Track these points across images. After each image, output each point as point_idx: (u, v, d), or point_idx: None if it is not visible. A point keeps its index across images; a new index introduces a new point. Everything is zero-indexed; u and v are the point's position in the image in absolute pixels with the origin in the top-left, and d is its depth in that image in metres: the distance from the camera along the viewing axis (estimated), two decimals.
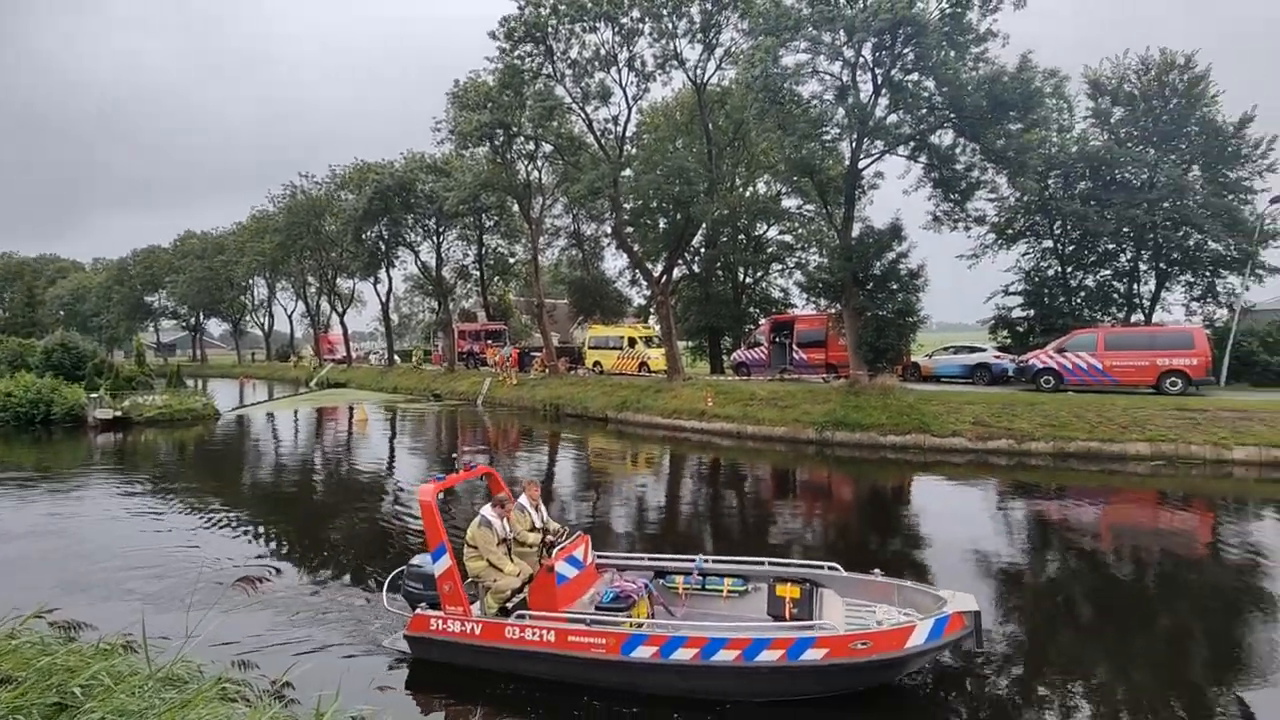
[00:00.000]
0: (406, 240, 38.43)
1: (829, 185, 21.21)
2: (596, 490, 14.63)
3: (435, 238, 37.89)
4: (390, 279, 42.13)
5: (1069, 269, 25.88)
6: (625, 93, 24.18)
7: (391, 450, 20.59)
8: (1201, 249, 23.22)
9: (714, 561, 7.26)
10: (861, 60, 18.51)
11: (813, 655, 5.52)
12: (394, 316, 53.48)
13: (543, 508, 7.37)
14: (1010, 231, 26.15)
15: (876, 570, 6.96)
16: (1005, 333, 27.16)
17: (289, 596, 8.22)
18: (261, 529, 11.53)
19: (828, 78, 19.25)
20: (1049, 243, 26.02)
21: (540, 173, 30.95)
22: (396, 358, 45.87)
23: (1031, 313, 26.47)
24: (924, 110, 18.73)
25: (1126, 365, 19.20)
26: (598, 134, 25.44)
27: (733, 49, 22.37)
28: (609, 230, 33.15)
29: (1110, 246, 24.74)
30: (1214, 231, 22.17)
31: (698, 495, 14.64)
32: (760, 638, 5.63)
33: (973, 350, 24.85)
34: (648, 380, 27.06)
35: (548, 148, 28.54)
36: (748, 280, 34.53)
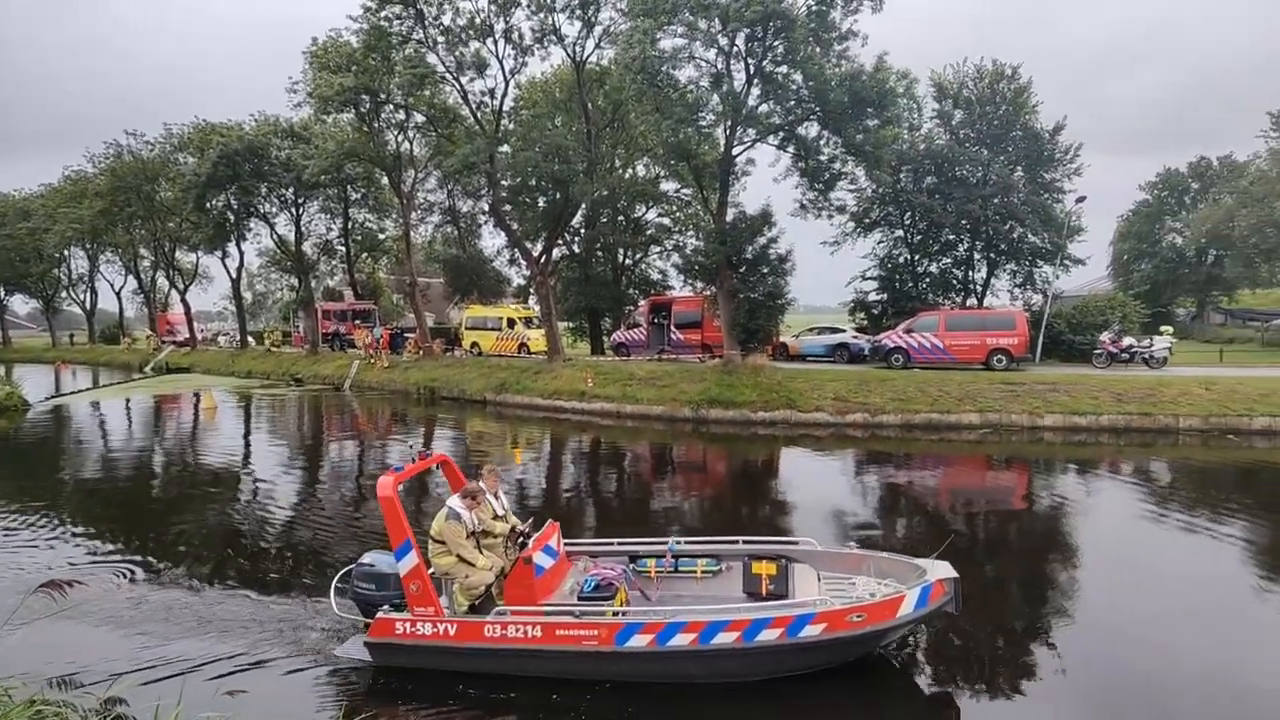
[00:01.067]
0: (260, 211, 35.12)
1: (705, 170, 21.81)
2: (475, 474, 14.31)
3: (294, 209, 34.89)
4: (241, 253, 38.40)
5: (917, 256, 28.34)
6: (502, 65, 23.46)
7: (246, 441, 18.96)
8: (1023, 241, 26.24)
9: (686, 543, 7.22)
10: (735, 49, 19.10)
11: (811, 631, 5.53)
12: (246, 295, 48.88)
13: (503, 496, 7.04)
14: (867, 221, 28.17)
15: (851, 543, 7.28)
16: (863, 315, 29.37)
17: (172, 606, 7.41)
18: (92, 530, 10.26)
19: (703, 64, 19.74)
20: (900, 232, 28.30)
21: (412, 144, 29.39)
22: (250, 339, 42.08)
23: (885, 296, 28.77)
24: (792, 102, 19.68)
25: (963, 344, 21.41)
26: (473, 106, 24.51)
27: (612, 28, 22.29)
28: (486, 207, 32.19)
29: (951, 237, 27.34)
30: (1033, 226, 25.17)
31: (579, 475, 14.74)
32: (760, 618, 5.58)
33: (834, 331, 26.67)
34: (527, 362, 26.72)
35: (419, 118, 27.14)
36: (627, 261, 34.90)
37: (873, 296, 29.19)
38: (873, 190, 26.46)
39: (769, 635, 5.51)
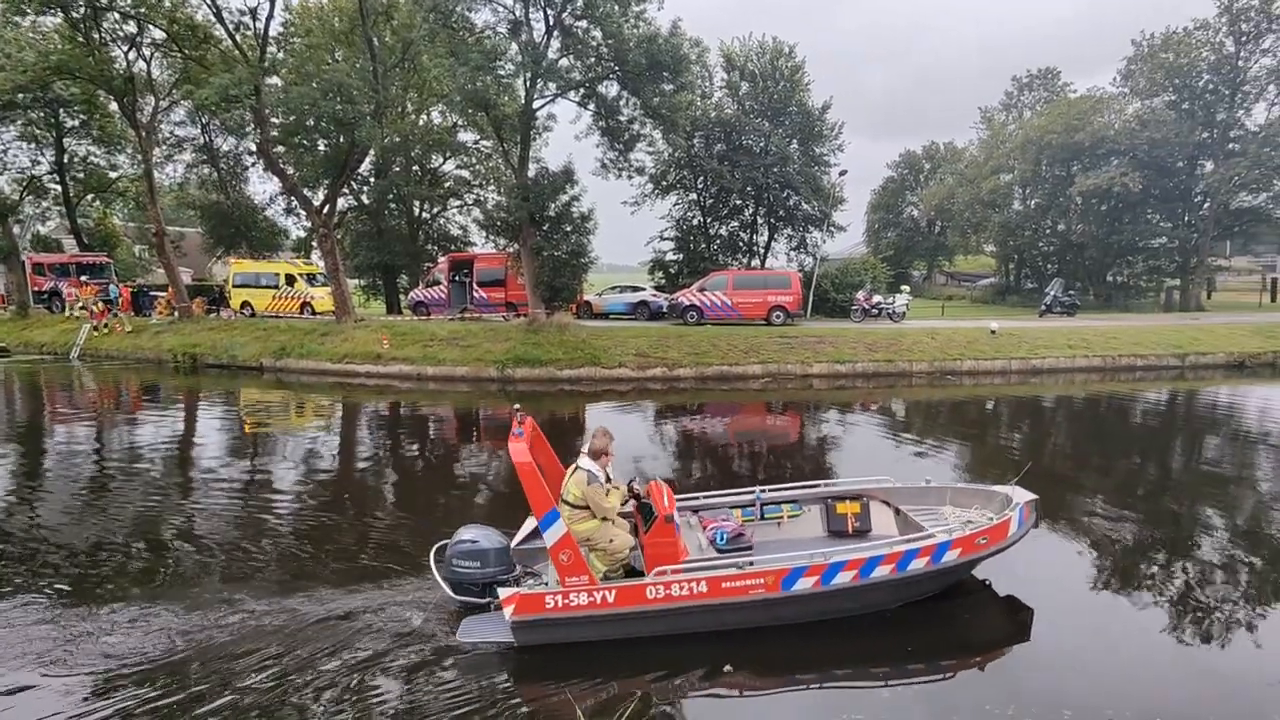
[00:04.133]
0: None
1: (505, 122, 21.10)
2: (255, 448, 12.88)
3: None
4: None
5: (709, 219, 30.24)
6: None
7: None
8: (798, 209, 29.17)
9: (770, 490, 7.33)
10: None
11: (950, 556, 5.91)
12: None
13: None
14: (665, 183, 29.38)
15: (927, 478, 7.55)
16: (661, 274, 30.82)
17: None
18: None
19: (501, 9, 18.93)
20: (694, 196, 29.94)
21: (149, 65, 24.56)
22: None
23: (681, 257, 30.43)
24: (592, 59, 19.65)
25: (748, 302, 23.46)
26: (229, 27, 21.07)
27: None
28: (253, 147, 28.20)
29: (738, 202, 29.53)
30: (806, 195, 28.06)
31: (378, 443, 13.91)
32: (910, 549, 5.85)
33: (635, 290, 27.71)
34: (312, 323, 24.28)
35: (158, 34, 22.74)
36: (424, 215, 32.94)
37: (670, 256, 30.71)
38: (670, 154, 27.58)
39: (918, 564, 5.86)
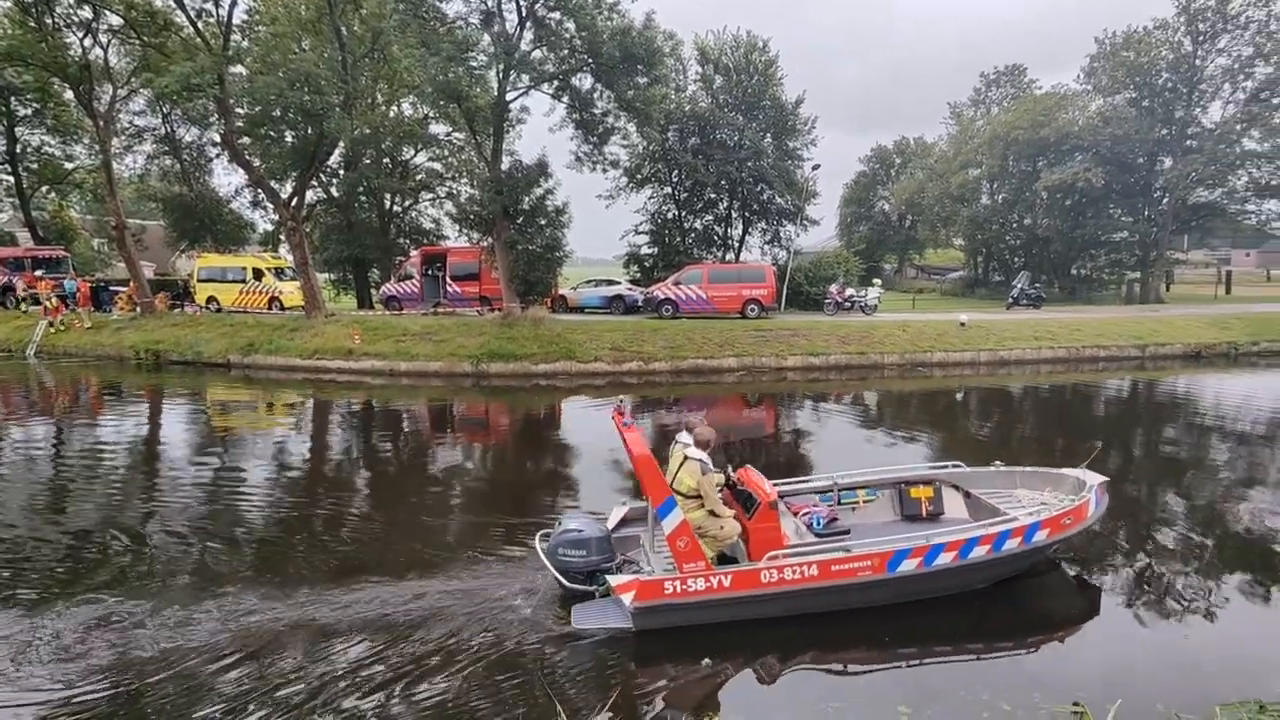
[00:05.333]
0: None
1: (477, 114, 20.89)
2: (223, 446, 12.61)
3: None
4: None
5: (684, 213, 30.27)
6: None
7: None
8: (771, 202, 29.31)
9: (847, 476, 7.51)
10: None
11: (1040, 536, 6.15)
12: None
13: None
14: (639, 176, 29.31)
15: (996, 462, 7.69)
16: (636, 267, 30.81)
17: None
18: None
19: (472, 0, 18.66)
20: (669, 189, 29.92)
21: (106, 52, 23.76)
22: None
23: (656, 250, 30.44)
24: (566, 51, 19.52)
25: (723, 295, 23.57)
26: (191, 13, 20.48)
27: None
28: (217, 138, 27.49)
29: (712, 195, 29.58)
30: (779, 189, 28.22)
31: (350, 439, 13.72)
32: (1003, 530, 6.07)
33: (610, 283, 27.67)
34: (281, 318, 23.82)
35: (115, 20, 22.02)
36: (396, 208, 32.47)
37: (645, 250, 30.70)
38: (644, 147, 27.51)
39: (1011, 544, 6.08)
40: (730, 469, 6.68)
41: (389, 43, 22.28)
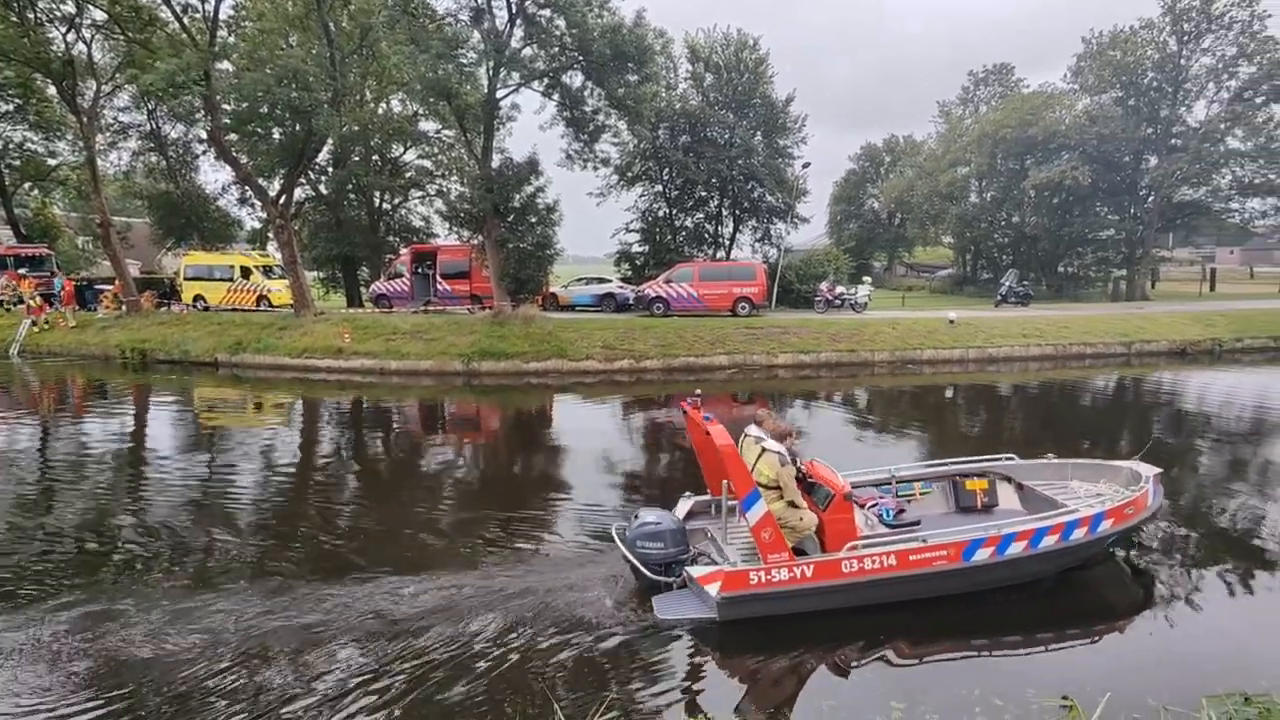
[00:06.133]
0: None
1: (467, 112, 20.77)
2: (212, 443, 12.51)
3: None
4: None
5: (674, 211, 30.26)
6: None
7: None
8: (762, 200, 29.38)
9: (904, 469, 7.69)
10: None
11: (1105, 526, 6.27)
12: None
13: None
14: (630, 174, 29.27)
15: (1049, 454, 7.78)
16: (627, 265, 30.78)
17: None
18: None
19: None
20: (659, 187, 29.89)
21: (90, 47, 23.46)
22: None
23: (647, 248, 30.41)
24: (556, 49, 19.47)
25: (714, 293, 23.60)
26: (176, 8, 20.24)
27: None
28: (203, 135, 27.19)
29: (703, 194, 29.60)
30: (770, 187, 28.28)
31: (340, 439, 13.65)
32: (1071, 520, 6.18)
33: (601, 281, 27.64)
34: (270, 316, 23.64)
35: (99, 15, 21.75)
36: (385, 206, 32.23)
37: (636, 248, 30.67)
38: (635, 145, 27.47)
39: (1079, 534, 6.19)
40: (798, 461, 6.73)
41: (378, 39, 22.18)
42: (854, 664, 5.47)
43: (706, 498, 7.17)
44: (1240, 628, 6.04)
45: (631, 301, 25.20)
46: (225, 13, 21.29)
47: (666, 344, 19.90)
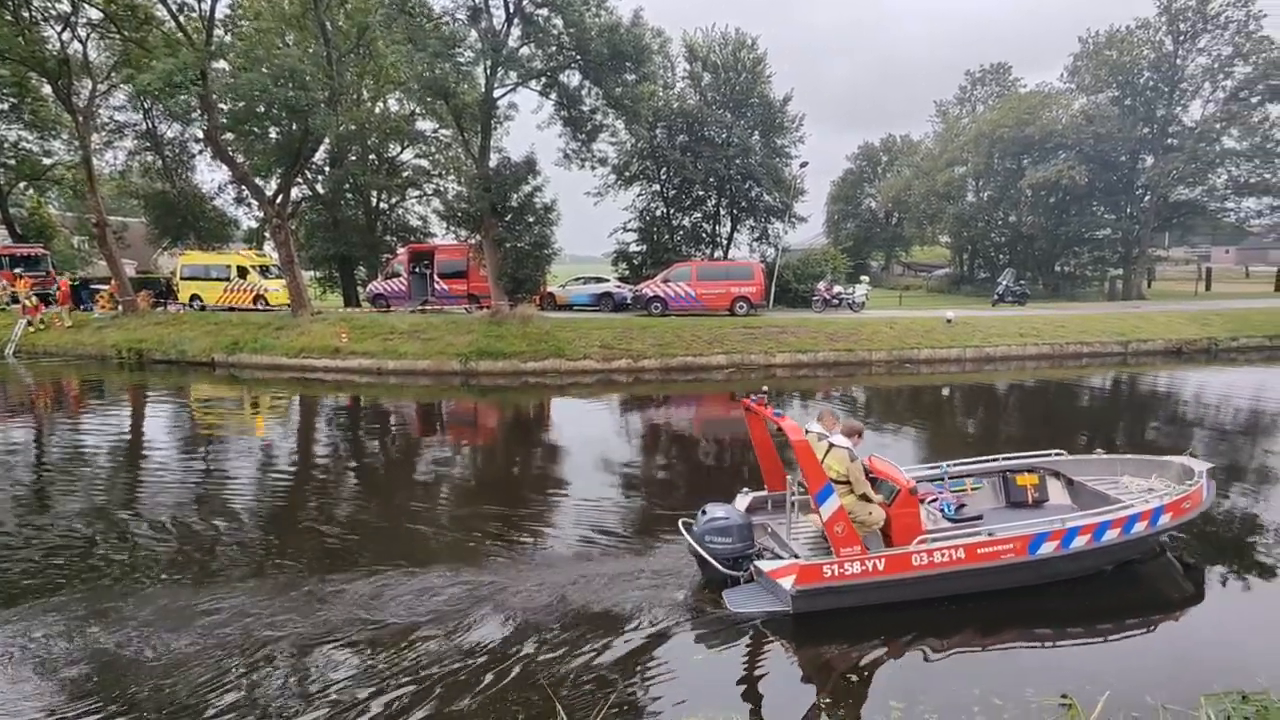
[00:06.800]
0: None
1: (465, 111, 20.74)
2: (207, 447, 12.48)
3: None
4: None
5: (672, 210, 30.24)
6: None
7: None
8: (760, 200, 29.37)
9: (955, 465, 7.71)
10: None
11: (1164, 519, 6.38)
12: None
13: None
14: (627, 174, 29.23)
15: (1098, 450, 7.85)
16: (624, 265, 30.75)
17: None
18: None
19: None
20: (657, 186, 29.84)
21: (86, 46, 23.35)
22: None
23: (644, 248, 30.38)
24: (554, 48, 19.45)
25: (711, 293, 23.59)
26: (172, 7, 20.18)
27: None
28: (200, 134, 27.09)
29: (701, 193, 29.58)
30: (767, 186, 28.28)
31: (337, 439, 13.62)
32: (1131, 514, 6.30)
33: (599, 281, 27.61)
34: (267, 316, 23.57)
35: (95, 13, 21.66)
36: (382, 205, 32.17)
37: (633, 247, 30.64)
38: (632, 145, 27.45)
39: (1139, 527, 6.32)
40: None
41: (375, 38, 22.13)
42: (853, 664, 5.48)
43: (764, 493, 7.26)
44: (1238, 626, 6.06)
45: (629, 301, 25.19)
46: (221, 12, 21.28)
47: (664, 343, 19.90)
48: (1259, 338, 23.02)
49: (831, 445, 6.30)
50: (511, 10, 18.64)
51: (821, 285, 26.17)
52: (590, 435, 13.09)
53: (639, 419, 15.02)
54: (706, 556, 6.23)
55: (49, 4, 21.55)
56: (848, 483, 6.19)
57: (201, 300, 26.38)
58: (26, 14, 21.28)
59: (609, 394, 17.14)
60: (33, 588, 6.67)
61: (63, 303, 25.10)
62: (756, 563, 6.16)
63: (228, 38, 22.25)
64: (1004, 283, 30.66)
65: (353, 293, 31.49)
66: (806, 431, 6.41)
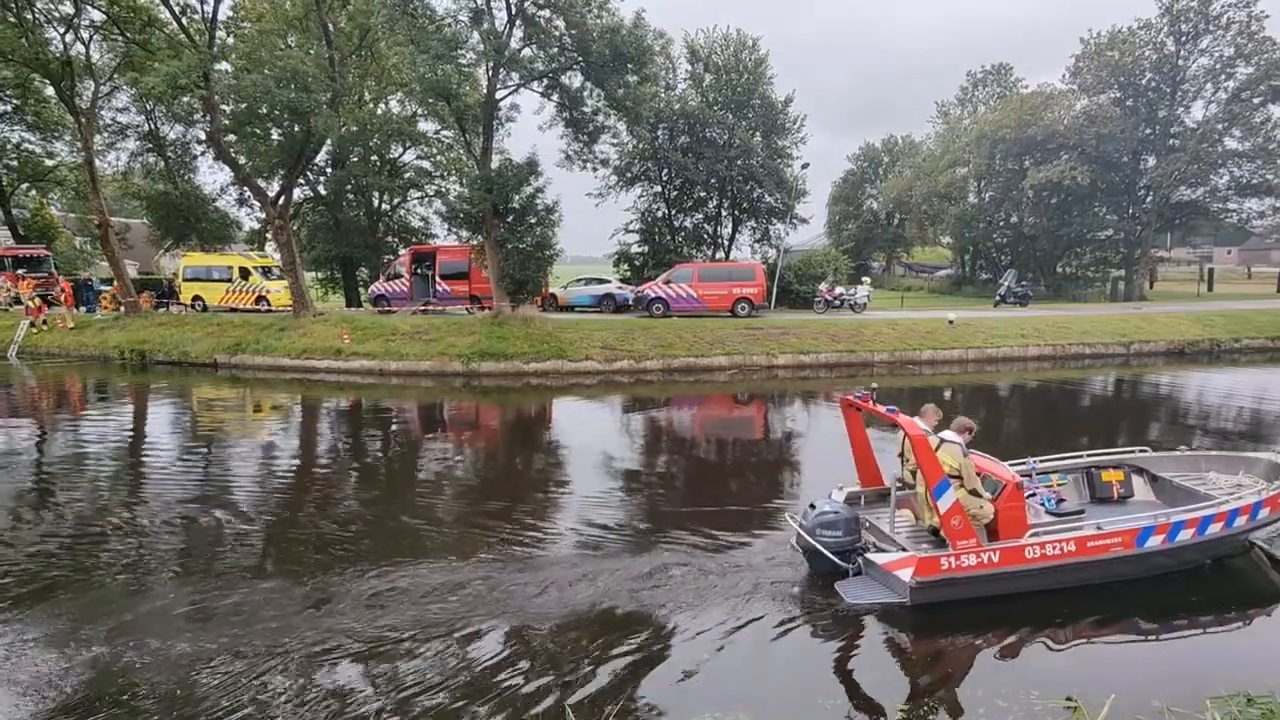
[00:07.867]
0: None
1: (467, 113, 20.75)
2: (209, 448, 12.49)
3: None
4: None
5: (674, 211, 30.26)
6: None
7: None
8: (761, 201, 29.37)
9: (1041, 461, 7.75)
10: None
11: (1263, 513, 6.48)
12: None
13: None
14: (629, 175, 29.24)
15: (1181, 446, 7.95)
16: (626, 266, 30.76)
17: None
18: None
19: None
20: (659, 188, 29.87)
21: (89, 48, 23.41)
22: None
23: (646, 249, 30.40)
24: (556, 49, 19.46)
25: (713, 294, 23.60)
26: (175, 9, 20.22)
27: None
28: (202, 135, 27.18)
29: (702, 194, 29.60)
30: (769, 187, 28.27)
31: (339, 440, 13.63)
32: (1232, 509, 6.36)
33: (601, 282, 27.62)
34: (269, 317, 23.60)
35: (98, 15, 21.71)
36: (384, 207, 32.24)
37: (635, 249, 30.66)
38: (634, 146, 27.46)
39: (1240, 521, 6.40)
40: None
41: (377, 39, 22.16)
42: (854, 664, 5.48)
43: (857, 489, 7.48)
44: (1243, 629, 6.05)
45: (631, 302, 25.20)
46: (224, 14, 21.34)
47: (666, 344, 19.90)
48: (1261, 339, 23.00)
49: (943, 440, 6.45)
50: (513, 12, 18.67)
51: (823, 286, 26.17)
52: (590, 435, 13.09)
53: (641, 419, 15.01)
54: (820, 549, 6.35)
55: (52, 6, 21.62)
56: (958, 477, 6.29)
57: (204, 301, 26.42)
58: (30, 16, 21.32)
59: (611, 395, 17.15)
60: (33, 588, 6.68)
61: (65, 304, 25.14)
62: (868, 555, 6.30)
63: (230, 39, 22.33)
64: (1006, 284, 30.64)
65: (354, 294, 31.56)
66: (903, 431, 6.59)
